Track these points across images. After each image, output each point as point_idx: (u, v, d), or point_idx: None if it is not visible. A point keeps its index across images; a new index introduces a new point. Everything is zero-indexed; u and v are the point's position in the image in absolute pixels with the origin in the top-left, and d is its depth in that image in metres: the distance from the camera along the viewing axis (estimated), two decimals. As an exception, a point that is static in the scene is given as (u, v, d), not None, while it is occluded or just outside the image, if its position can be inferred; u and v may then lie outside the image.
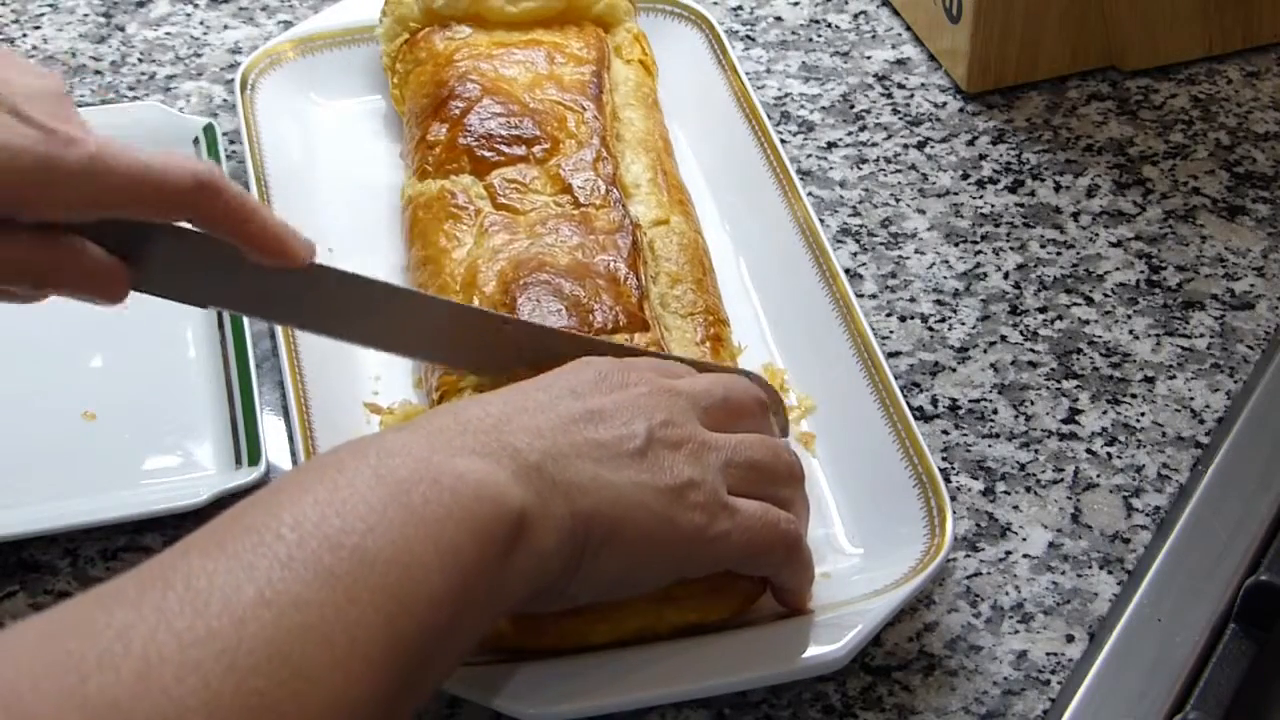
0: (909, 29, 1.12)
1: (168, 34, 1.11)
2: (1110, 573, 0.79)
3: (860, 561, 0.77)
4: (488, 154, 0.89)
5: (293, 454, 0.80)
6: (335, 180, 0.98)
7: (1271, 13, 1.09)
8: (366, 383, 0.85)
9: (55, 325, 0.88)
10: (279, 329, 0.84)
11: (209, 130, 0.98)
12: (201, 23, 1.12)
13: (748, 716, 0.73)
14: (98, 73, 1.07)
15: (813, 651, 0.71)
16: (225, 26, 1.12)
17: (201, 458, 0.82)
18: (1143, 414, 0.87)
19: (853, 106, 1.06)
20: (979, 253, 0.96)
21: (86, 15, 1.13)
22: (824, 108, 1.06)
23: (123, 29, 1.11)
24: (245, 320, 0.86)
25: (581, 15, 1.00)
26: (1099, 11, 1.05)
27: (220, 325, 0.87)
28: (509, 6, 0.99)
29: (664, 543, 0.66)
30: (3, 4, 1.14)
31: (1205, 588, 0.78)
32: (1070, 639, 0.76)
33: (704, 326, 0.83)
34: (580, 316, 0.79)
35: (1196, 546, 0.80)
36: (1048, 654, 0.75)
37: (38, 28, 1.12)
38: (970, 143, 1.03)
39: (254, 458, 0.80)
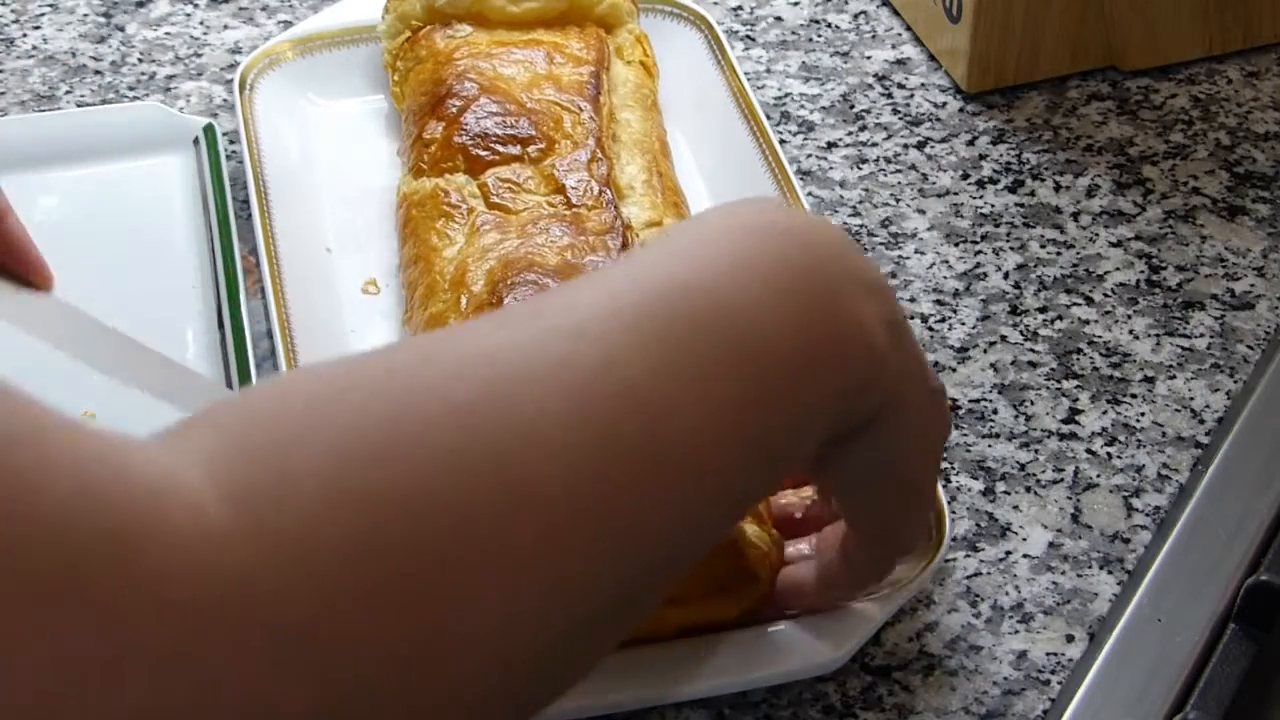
0: (909, 29, 1.12)
1: (168, 34, 1.11)
2: (1110, 573, 0.79)
3: None
4: (483, 153, 0.90)
5: None
6: (334, 180, 0.98)
7: (1271, 13, 1.09)
8: None
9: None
10: (278, 329, 0.84)
11: (209, 130, 0.98)
12: (201, 23, 1.12)
13: (748, 716, 0.73)
14: (98, 73, 1.07)
15: (811, 652, 0.71)
16: (225, 26, 1.12)
17: None
18: (1143, 414, 0.87)
19: (853, 106, 1.06)
20: (979, 253, 0.96)
21: (86, 15, 1.13)
22: (824, 108, 1.06)
23: (123, 29, 1.11)
24: (245, 321, 0.86)
25: (584, 16, 1.00)
26: (1099, 11, 1.05)
27: (220, 325, 0.87)
28: (511, 6, 0.99)
29: (900, 478, 0.66)
30: (3, 4, 1.14)
31: (1205, 588, 0.78)
32: (1070, 639, 0.76)
33: None
34: None
35: (1196, 546, 0.80)
36: (1048, 654, 0.75)
37: (38, 28, 1.12)
38: (970, 143, 1.03)
39: None
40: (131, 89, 1.06)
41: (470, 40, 0.97)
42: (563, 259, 0.83)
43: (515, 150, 0.90)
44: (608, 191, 0.87)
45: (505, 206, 0.87)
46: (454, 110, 0.92)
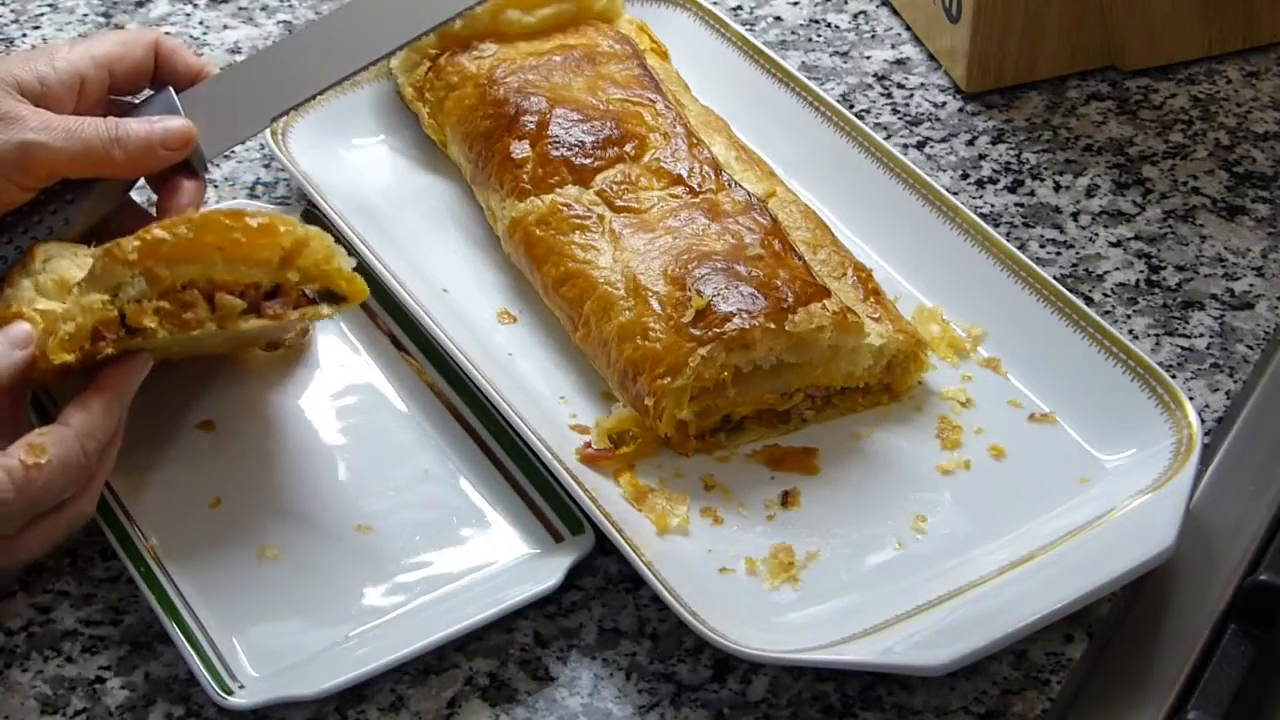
0: (909, 29, 1.12)
1: (167, 33, 1.11)
2: (1110, 573, 0.79)
3: (1118, 460, 0.82)
4: (585, 161, 0.89)
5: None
6: (405, 221, 0.95)
7: (1271, 13, 1.09)
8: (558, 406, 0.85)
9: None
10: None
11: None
12: (201, 22, 1.12)
13: (748, 716, 0.73)
14: (97, 72, 1.07)
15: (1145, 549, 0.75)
16: (225, 26, 1.12)
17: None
18: (1143, 414, 0.87)
19: (853, 106, 1.06)
20: (979, 253, 0.96)
21: (86, 15, 1.13)
22: (824, 108, 1.06)
23: (122, 29, 1.11)
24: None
25: (585, 16, 1.00)
26: (1099, 11, 1.05)
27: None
28: (525, 17, 0.98)
29: None
30: (3, 4, 1.14)
31: (1205, 588, 0.78)
32: (1070, 639, 0.76)
33: (858, 284, 0.85)
34: (768, 295, 0.80)
35: (1196, 546, 0.80)
36: (1048, 654, 0.75)
37: (37, 28, 1.12)
38: (970, 142, 1.03)
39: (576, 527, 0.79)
40: (131, 89, 1.06)
41: (503, 56, 0.96)
42: (725, 243, 0.83)
43: (613, 152, 0.89)
44: (724, 172, 0.88)
45: (631, 207, 0.87)
46: (532, 126, 0.91)
